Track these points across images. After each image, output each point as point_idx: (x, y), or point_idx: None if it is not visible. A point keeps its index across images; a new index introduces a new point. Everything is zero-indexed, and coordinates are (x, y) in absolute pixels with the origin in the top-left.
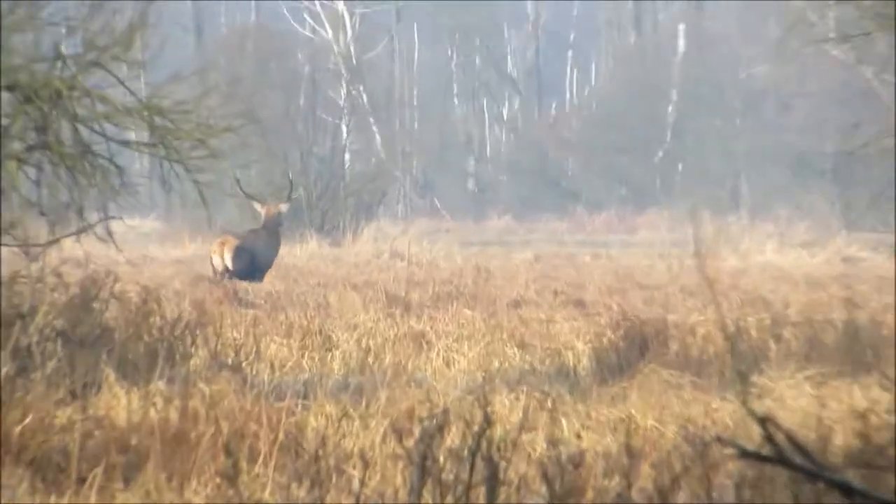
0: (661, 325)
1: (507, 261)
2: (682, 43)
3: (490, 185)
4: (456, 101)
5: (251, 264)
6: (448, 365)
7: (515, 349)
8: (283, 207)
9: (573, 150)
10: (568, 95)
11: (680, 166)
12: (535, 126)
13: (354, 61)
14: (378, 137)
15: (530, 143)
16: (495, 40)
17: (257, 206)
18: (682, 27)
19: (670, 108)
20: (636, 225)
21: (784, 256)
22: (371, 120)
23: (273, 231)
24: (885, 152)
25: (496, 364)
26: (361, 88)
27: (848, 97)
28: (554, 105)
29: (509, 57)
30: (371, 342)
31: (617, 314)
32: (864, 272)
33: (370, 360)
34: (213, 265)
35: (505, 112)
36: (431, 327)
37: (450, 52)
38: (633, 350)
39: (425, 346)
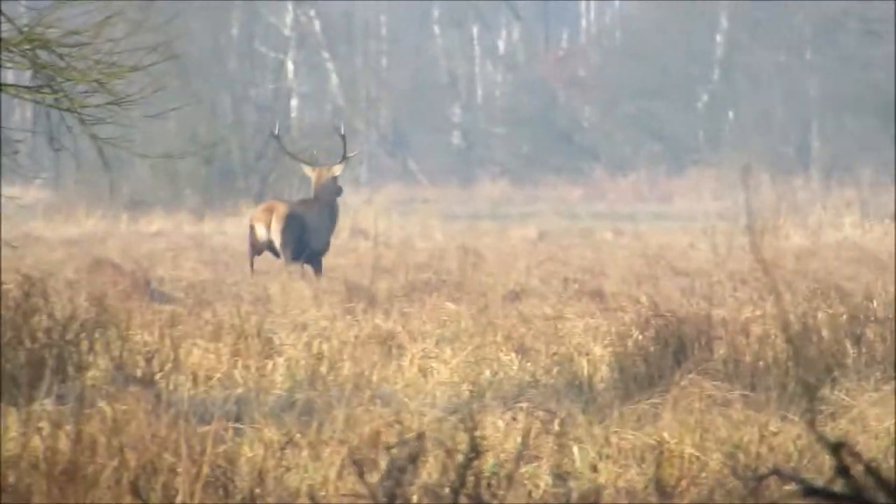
0: (703, 322)
1: (503, 239)
2: None
3: (481, 140)
4: (436, 28)
5: (303, 240)
6: (425, 375)
7: (513, 355)
8: (338, 170)
9: (590, 93)
10: (583, 22)
11: (730, 114)
12: (540, 62)
13: None
14: (335, 77)
15: (534, 84)
16: None
17: (307, 170)
18: None
19: (718, 38)
20: (672, 191)
21: (867, 232)
22: (325, 55)
23: (329, 202)
24: None
25: (487, 374)
26: (312, 13)
27: None
28: (565, 35)
29: None
30: (325, 347)
31: (646, 309)
32: None
33: (323, 369)
34: (254, 237)
35: (501, 44)
36: (403, 326)
37: None
38: (666, 356)
39: (395, 352)
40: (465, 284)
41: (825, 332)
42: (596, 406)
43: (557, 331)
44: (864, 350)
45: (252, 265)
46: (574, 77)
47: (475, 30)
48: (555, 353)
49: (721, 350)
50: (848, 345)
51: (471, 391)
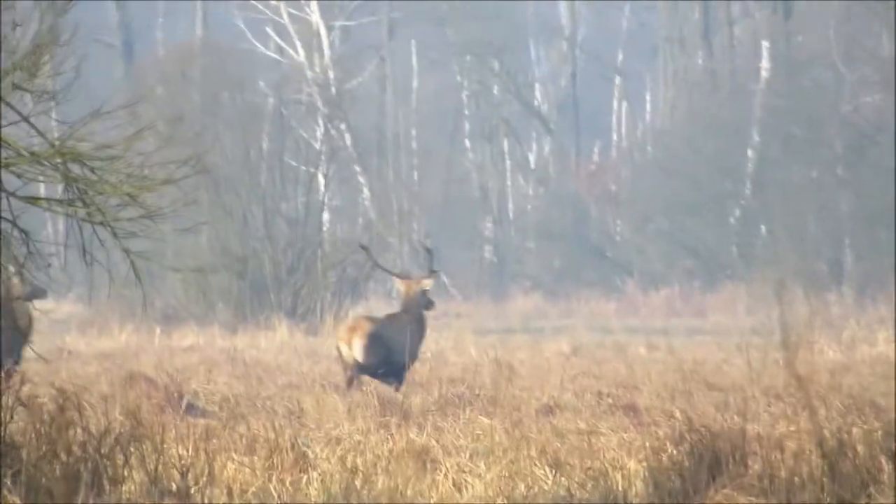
0: (738, 437)
1: (536, 353)
2: (765, 65)
3: (513, 254)
4: (468, 143)
5: (389, 357)
6: (459, 490)
7: (547, 469)
8: (427, 284)
9: (622, 207)
10: (614, 136)
11: (763, 229)
12: (571, 176)
13: (334, 91)
14: (366, 191)
15: (565, 198)
16: (519, 62)
17: (397, 283)
18: (765, 45)
19: (750, 153)
20: (706, 306)
21: None
22: (357, 168)
23: (417, 315)
24: None
25: (522, 489)
26: (344, 127)
27: None
28: (596, 148)
29: (537, 85)
30: (359, 460)
31: (681, 424)
32: None
33: (357, 483)
34: (341, 357)
35: (532, 158)
36: (437, 441)
37: (459, 79)
38: (701, 470)
39: (429, 466)
40: (499, 398)
41: (860, 448)
42: None
43: (591, 445)
44: None
45: (349, 383)
46: (606, 191)
47: (506, 143)
48: (589, 468)
49: (756, 465)
50: (883, 461)
51: None
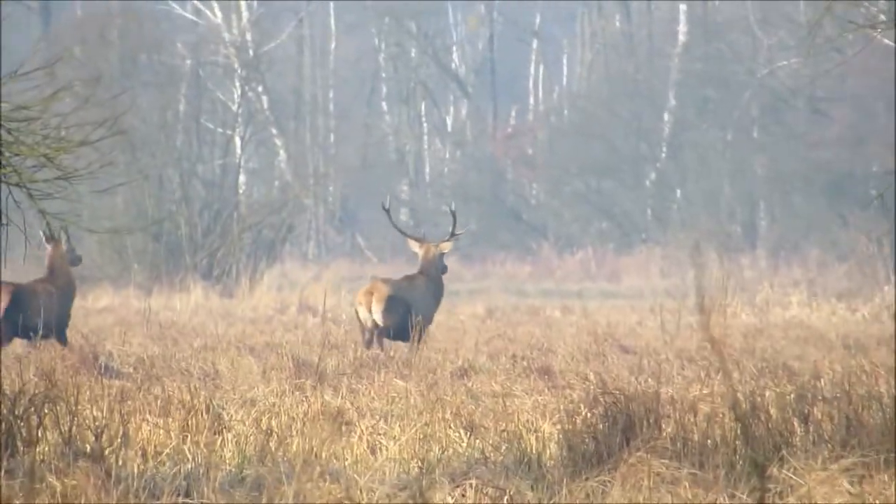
0: (651, 400)
1: (451, 316)
2: (682, 29)
3: (429, 217)
4: (385, 105)
5: (407, 319)
6: (374, 452)
7: (462, 432)
8: (446, 247)
9: (538, 171)
10: (531, 99)
11: (678, 192)
12: (488, 139)
13: (251, 53)
14: (283, 154)
15: (482, 161)
16: (437, 26)
17: (413, 246)
18: (682, 8)
19: (666, 117)
20: (620, 269)
21: (815, 311)
22: (274, 131)
23: (435, 277)
24: None
25: (437, 451)
26: (261, 89)
27: None
28: (513, 112)
29: (455, 48)
30: (274, 423)
31: (595, 386)
32: None
33: (272, 445)
34: (359, 320)
35: (449, 121)
36: (352, 403)
37: (377, 42)
38: (615, 433)
39: (345, 428)
40: (414, 361)
41: (773, 411)
42: (545, 483)
43: (506, 408)
44: (811, 429)
45: (367, 345)
46: (522, 155)
47: (423, 106)
48: (503, 430)
49: (669, 428)
50: (796, 423)
51: (420, 467)
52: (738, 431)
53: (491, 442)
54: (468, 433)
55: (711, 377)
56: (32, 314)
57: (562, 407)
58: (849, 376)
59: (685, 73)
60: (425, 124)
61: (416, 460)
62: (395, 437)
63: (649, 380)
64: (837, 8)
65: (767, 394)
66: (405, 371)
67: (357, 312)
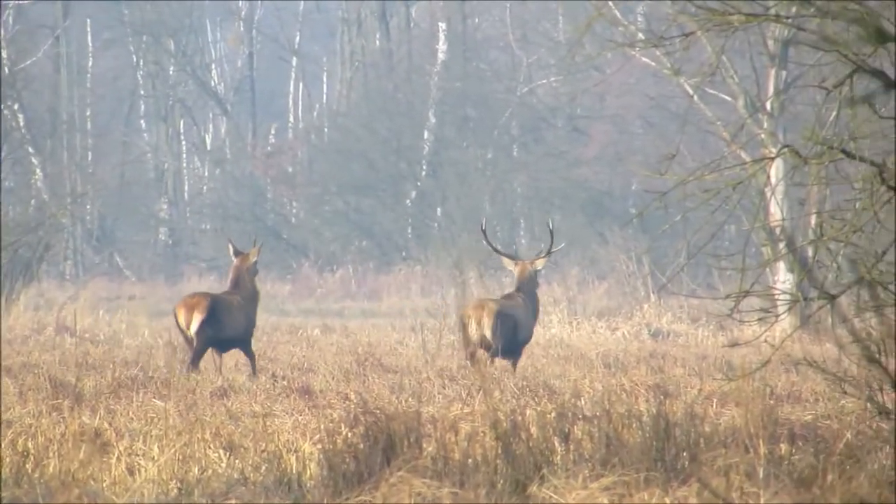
0: (412, 419)
1: None
2: (442, 48)
3: (188, 236)
4: (143, 123)
5: (513, 336)
6: (132, 473)
7: (221, 452)
8: (540, 264)
9: (298, 189)
10: (291, 117)
11: (438, 211)
12: (247, 158)
13: (6, 70)
14: (39, 172)
15: (241, 179)
16: (196, 43)
17: (508, 265)
18: (442, 26)
19: (426, 135)
20: (380, 288)
21: (574, 330)
22: (30, 150)
23: (531, 294)
24: (707, 193)
25: (196, 471)
26: (16, 107)
27: (661, 121)
28: (273, 129)
29: (214, 66)
30: (30, 444)
31: (356, 406)
32: (679, 350)
33: (29, 467)
34: (466, 333)
35: (208, 139)
36: (110, 424)
37: (135, 60)
38: (376, 453)
39: (103, 449)
40: (173, 382)
41: (534, 430)
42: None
43: (266, 428)
44: (572, 447)
45: (471, 358)
46: (282, 173)
47: (182, 124)
48: (263, 451)
49: (430, 447)
50: (556, 442)
51: (179, 488)
52: (499, 450)
53: (251, 462)
54: (228, 453)
55: (472, 396)
56: (226, 325)
57: (322, 427)
58: (609, 395)
59: (445, 92)
60: (184, 142)
61: (174, 481)
62: (153, 458)
63: (410, 399)
64: (597, 26)
65: (528, 413)
66: (164, 391)
67: (466, 326)
